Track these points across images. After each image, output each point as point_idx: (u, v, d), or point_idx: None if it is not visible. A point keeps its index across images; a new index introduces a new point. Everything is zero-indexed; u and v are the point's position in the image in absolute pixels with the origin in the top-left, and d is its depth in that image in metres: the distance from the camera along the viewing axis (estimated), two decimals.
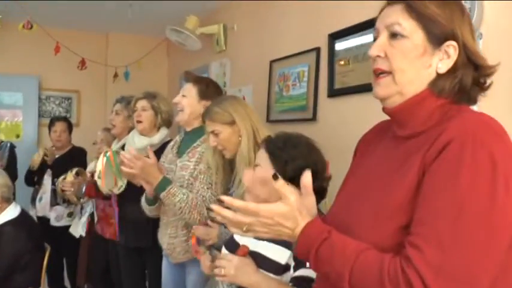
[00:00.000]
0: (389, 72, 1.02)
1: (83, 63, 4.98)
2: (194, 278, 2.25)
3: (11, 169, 3.81)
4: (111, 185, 2.59)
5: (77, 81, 5.64)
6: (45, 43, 4.88)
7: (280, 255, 1.44)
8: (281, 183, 0.99)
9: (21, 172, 3.95)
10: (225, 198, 0.99)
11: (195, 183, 2.15)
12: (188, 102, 2.27)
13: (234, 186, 2.03)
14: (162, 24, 4.05)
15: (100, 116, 5.66)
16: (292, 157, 1.47)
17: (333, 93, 2.72)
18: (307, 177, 1.05)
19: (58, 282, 3.77)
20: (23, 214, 2.78)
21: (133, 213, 2.60)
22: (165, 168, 2.27)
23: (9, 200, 2.74)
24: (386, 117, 1.15)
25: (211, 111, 2.00)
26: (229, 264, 1.46)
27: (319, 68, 2.87)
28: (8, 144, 4.00)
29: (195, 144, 2.24)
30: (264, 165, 1.49)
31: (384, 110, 1.10)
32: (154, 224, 2.45)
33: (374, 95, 1.08)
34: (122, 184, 2.61)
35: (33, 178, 3.79)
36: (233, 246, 1.59)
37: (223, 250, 1.65)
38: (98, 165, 2.56)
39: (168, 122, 2.75)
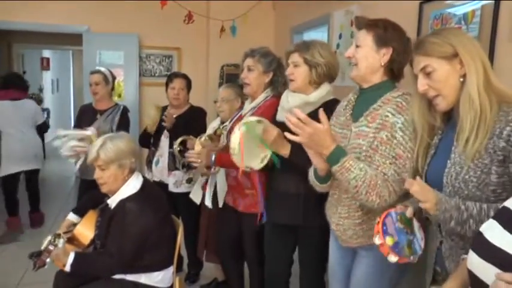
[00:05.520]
0: None
1: (189, 16, 4.69)
2: (365, 270, 1.84)
3: None
4: (257, 162, 2.13)
5: (177, 39, 5.45)
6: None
7: None
8: None
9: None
10: None
11: (374, 156, 1.69)
12: (364, 53, 1.77)
13: (454, 152, 1.47)
14: None
15: (202, 75, 5.41)
16: None
17: None
18: None
19: None
20: (146, 185, 2.38)
21: (283, 186, 2.26)
22: (338, 136, 1.83)
23: (134, 169, 2.37)
24: None
25: (425, 41, 1.49)
26: None
27: (499, 4, 2.34)
28: (121, 107, 3.69)
29: (375, 106, 1.75)
30: None
31: None
32: (310, 199, 2.10)
33: None
34: (266, 154, 2.12)
35: (149, 139, 3.49)
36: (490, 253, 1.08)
37: (475, 258, 1.12)
38: (233, 140, 2.09)
39: (329, 77, 2.25)
